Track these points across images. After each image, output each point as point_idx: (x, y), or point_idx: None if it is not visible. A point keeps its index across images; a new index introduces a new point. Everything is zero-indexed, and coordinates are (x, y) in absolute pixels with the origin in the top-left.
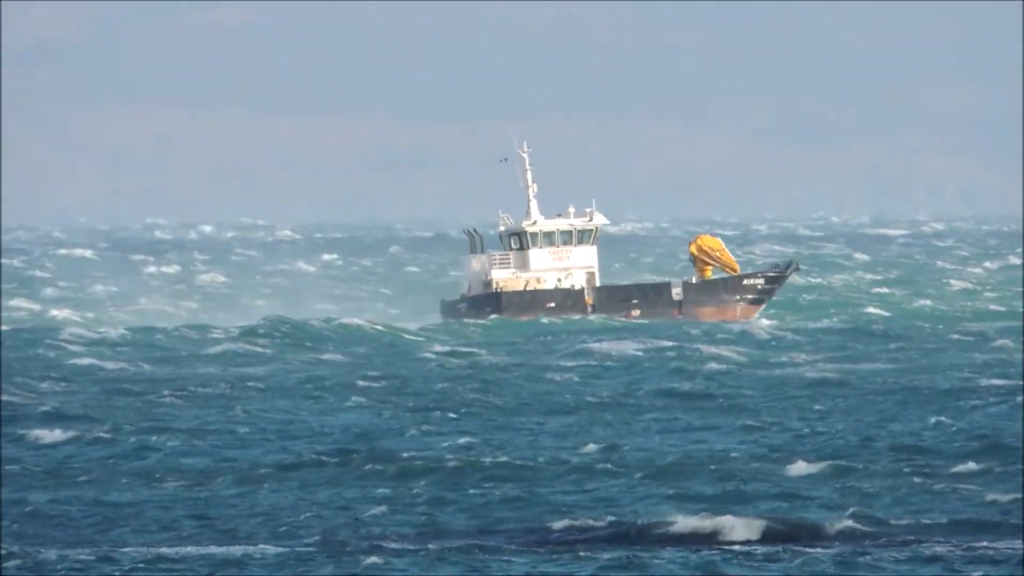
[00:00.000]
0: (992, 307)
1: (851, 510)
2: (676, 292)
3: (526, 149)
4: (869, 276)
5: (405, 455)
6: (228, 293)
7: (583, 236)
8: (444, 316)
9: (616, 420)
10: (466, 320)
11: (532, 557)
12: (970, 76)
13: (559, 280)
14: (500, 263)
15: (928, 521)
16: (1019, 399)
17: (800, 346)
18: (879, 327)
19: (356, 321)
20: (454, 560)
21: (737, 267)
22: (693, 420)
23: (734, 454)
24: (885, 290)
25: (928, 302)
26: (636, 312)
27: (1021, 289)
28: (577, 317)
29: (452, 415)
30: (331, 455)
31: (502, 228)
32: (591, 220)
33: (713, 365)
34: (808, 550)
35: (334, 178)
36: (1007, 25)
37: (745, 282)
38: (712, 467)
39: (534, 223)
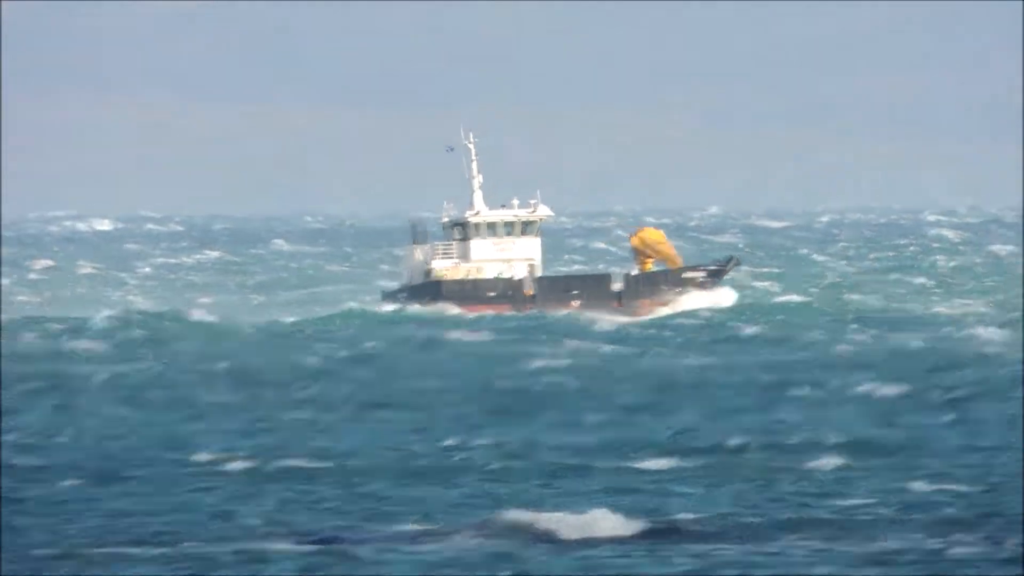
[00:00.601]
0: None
1: (713, 509)
2: (616, 284)
3: (472, 140)
4: (746, 268)
5: None
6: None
7: (526, 227)
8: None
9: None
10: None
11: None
12: (894, 66)
13: (500, 272)
14: (443, 253)
15: (790, 516)
16: (876, 396)
17: (664, 340)
18: (744, 320)
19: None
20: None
21: (679, 260)
22: (542, 415)
23: (586, 449)
24: (763, 283)
25: (796, 296)
26: (576, 303)
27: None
28: (510, 314)
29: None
30: None
31: (445, 218)
32: (535, 211)
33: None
34: (674, 547)
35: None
36: (930, 13)
37: (685, 275)
38: (559, 463)
39: (477, 213)
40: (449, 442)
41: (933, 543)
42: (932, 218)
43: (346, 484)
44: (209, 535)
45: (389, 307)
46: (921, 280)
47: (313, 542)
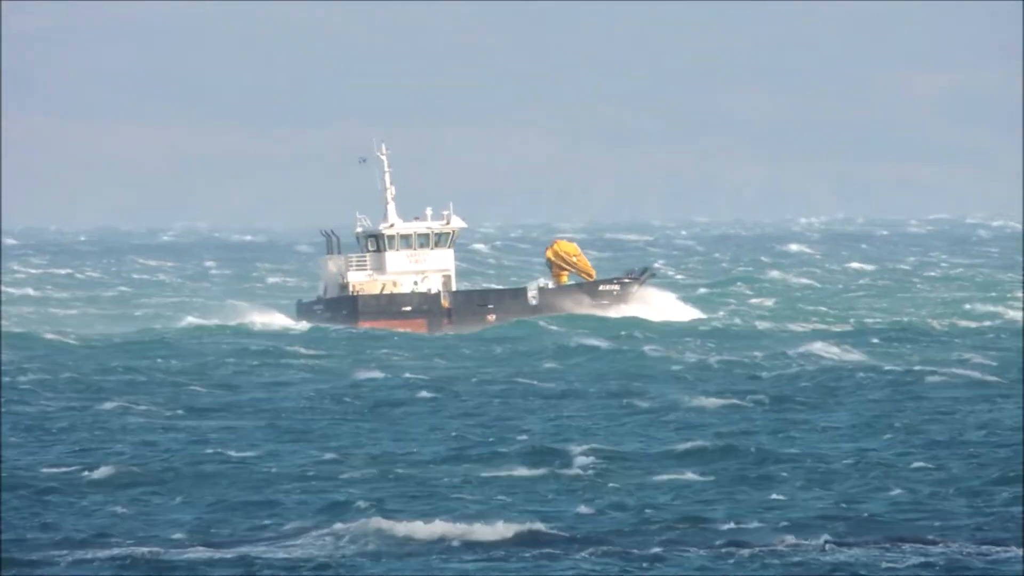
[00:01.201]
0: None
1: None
2: (532, 296)
3: (384, 151)
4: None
5: None
6: None
7: (440, 239)
8: (299, 317)
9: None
10: (322, 323)
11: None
12: (770, 82)
13: (415, 283)
14: (357, 265)
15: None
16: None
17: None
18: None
19: None
20: None
21: (593, 272)
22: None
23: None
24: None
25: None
26: (492, 317)
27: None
28: (424, 333)
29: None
30: None
31: (359, 229)
32: (448, 223)
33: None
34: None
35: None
36: (806, 30)
37: (600, 288)
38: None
39: (391, 226)
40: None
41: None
42: (796, 230)
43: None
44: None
45: (302, 324)
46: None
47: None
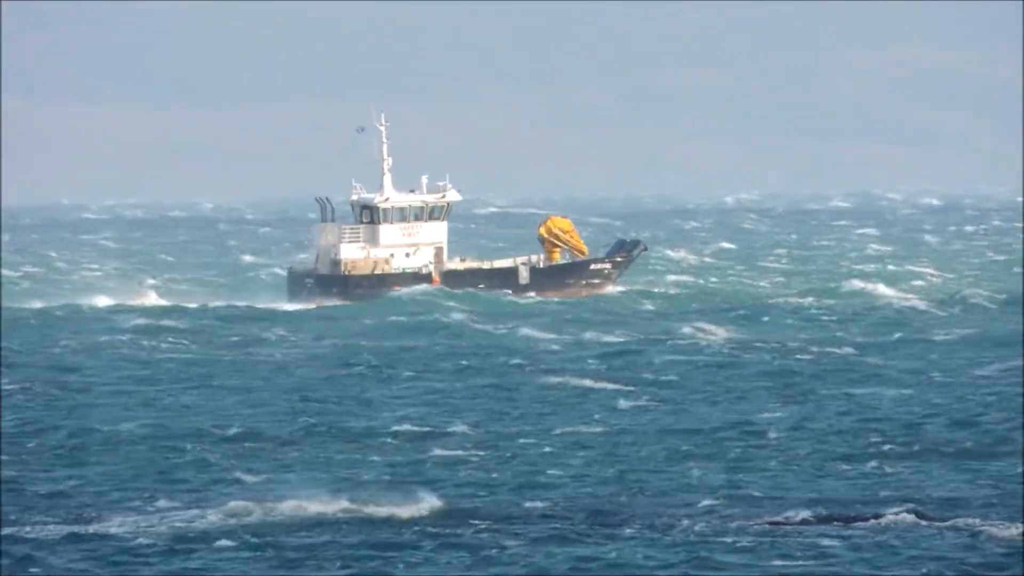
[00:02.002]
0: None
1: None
2: (523, 275)
3: (384, 122)
4: None
5: None
6: None
7: (435, 211)
8: (290, 290)
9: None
10: (312, 300)
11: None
12: (714, 60)
13: (407, 255)
14: (350, 236)
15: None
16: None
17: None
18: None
19: None
20: None
21: (585, 250)
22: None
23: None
24: None
25: None
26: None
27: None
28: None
29: None
30: None
31: (354, 197)
32: (444, 196)
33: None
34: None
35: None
36: (749, 9)
37: (592, 266)
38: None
39: (387, 199)
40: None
41: None
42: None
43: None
44: None
45: (291, 306)
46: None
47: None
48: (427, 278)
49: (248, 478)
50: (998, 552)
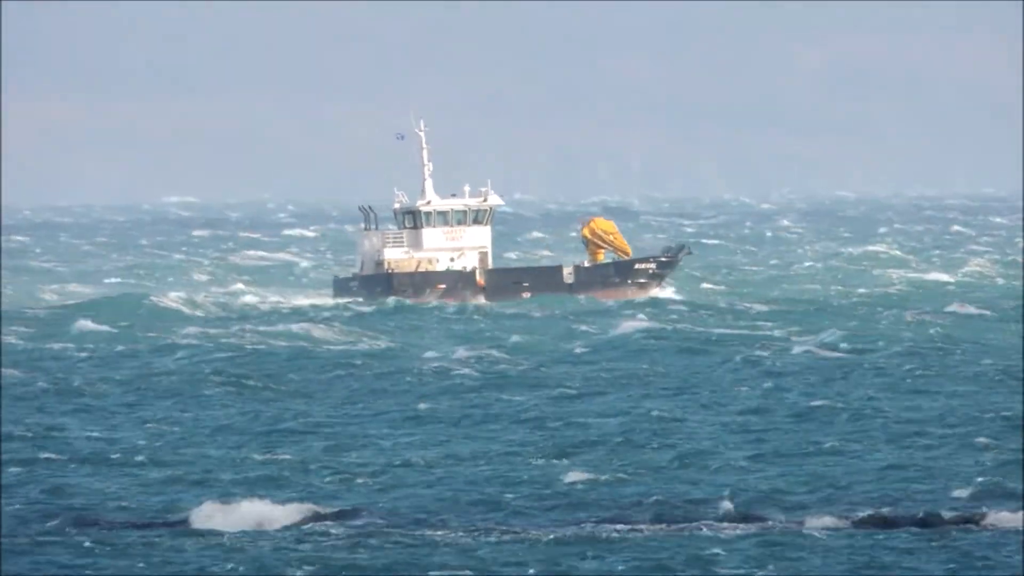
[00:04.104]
0: None
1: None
2: (567, 274)
3: (423, 127)
4: None
5: None
6: None
7: (477, 216)
8: (336, 294)
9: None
10: (358, 300)
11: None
12: (660, 51)
13: (452, 259)
14: (393, 242)
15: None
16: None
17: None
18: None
19: None
20: None
21: (629, 251)
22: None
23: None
24: None
25: None
26: (527, 295)
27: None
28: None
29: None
30: None
31: (397, 205)
32: (486, 200)
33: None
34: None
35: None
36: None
37: (636, 266)
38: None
39: (428, 203)
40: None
41: None
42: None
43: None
44: None
45: (336, 300)
46: None
47: None
48: (471, 277)
49: None
50: None
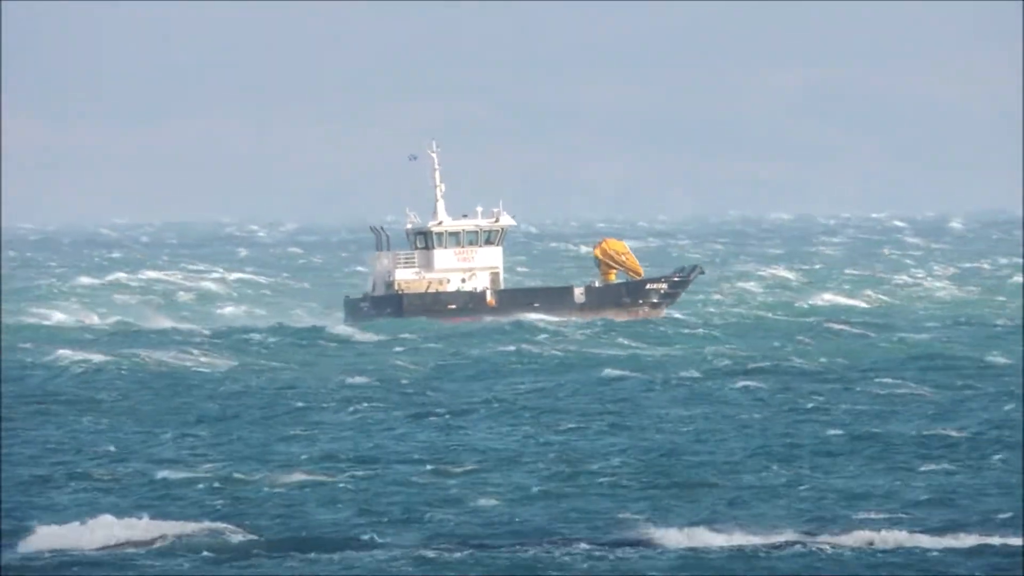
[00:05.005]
0: None
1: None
2: (579, 294)
3: (435, 149)
4: None
5: None
6: None
7: (489, 236)
8: (347, 315)
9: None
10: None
11: None
12: (626, 77)
13: (463, 280)
14: (405, 262)
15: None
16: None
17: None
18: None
19: None
20: None
21: (641, 271)
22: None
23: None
24: None
25: None
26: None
27: None
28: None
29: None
30: None
31: (409, 226)
32: (497, 221)
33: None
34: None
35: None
36: (663, 25)
37: (648, 287)
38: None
39: (440, 223)
40: None
41: None
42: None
43: None
44: None
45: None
46: None
47: None
48: (482, 298)
49: None
50: None
